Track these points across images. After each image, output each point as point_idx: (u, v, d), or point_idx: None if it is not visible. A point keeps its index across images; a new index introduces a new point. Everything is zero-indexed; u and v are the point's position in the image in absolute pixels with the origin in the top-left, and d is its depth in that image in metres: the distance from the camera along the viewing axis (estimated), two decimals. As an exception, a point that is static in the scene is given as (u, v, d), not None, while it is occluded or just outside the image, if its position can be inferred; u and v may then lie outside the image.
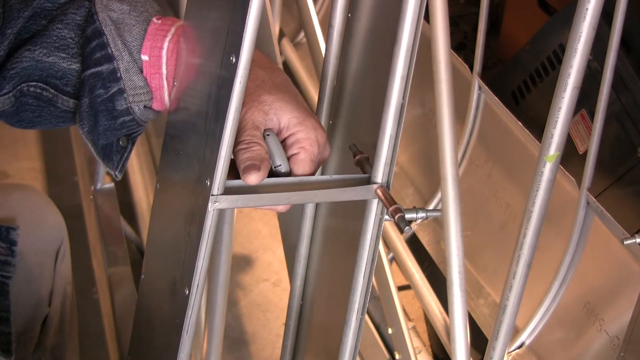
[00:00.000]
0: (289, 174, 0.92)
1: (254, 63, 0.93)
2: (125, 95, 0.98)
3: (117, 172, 1.05)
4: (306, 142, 0.91)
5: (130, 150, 1.05)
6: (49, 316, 1.42)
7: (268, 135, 0.90)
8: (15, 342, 1.28)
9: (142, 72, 0.98)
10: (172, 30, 0.97)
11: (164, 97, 0.99)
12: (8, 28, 0.98)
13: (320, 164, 0.95)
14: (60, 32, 0.98)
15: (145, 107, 1.00)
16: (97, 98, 0.98)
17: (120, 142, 1.03)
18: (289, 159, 0.91)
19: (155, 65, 0.97)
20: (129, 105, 0.98)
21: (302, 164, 0.91)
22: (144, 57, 0.97)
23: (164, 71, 0.98)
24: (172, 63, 0.97)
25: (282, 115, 0.91)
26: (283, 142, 0.92)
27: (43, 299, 1.40)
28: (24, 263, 1.33)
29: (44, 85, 0.99)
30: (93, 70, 0.97)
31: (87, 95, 0.98)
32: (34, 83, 0.99)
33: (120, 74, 0.97)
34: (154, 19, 0.98)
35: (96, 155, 1.03)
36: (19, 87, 0.99)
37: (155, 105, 1.00)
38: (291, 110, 0.91)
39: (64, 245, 1.46)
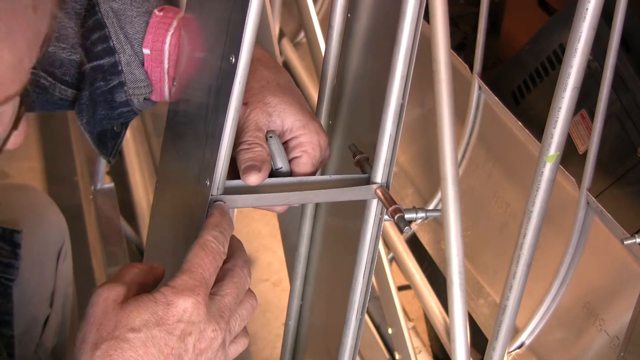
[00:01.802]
0: (290, 176, 0.92)
1: (259, 62, 0.93)
2: (125, 88, 0.97)
3: (110, 158, 1.05)
4: (309, 146, 0.91)
5: (123, 135, 1.04)
6: (50, 317, 1.41)
7: (271, 137, 0.90)
8: (17, 343, 1.28)
9: (143, 65, 0.97)
10: (174, 23, 0.97)
11: (164, 89, 0.99)
12: None
13: (320, 167, 0.95)
14: (60, 21, 0.97)
15: (144, 99, 0.99)
16: (97, 90, 0.97)
17: (115, 128, 1.03)
18: (290, 161, 0.91)
19: (157, 60, 0.97)
20: (128, 97, 0.98)
21: (304, 168, 0.91)
22: (146, 51, 0.97)
23: (166, 65, 0.97)
24: (174, 58, 0.97)
25: (286, 118, 0.91)
26: (285, 145, 0.92)
27: (44, 299, 1.40)
28: (26, 264, 1.33)
29: (42, 74, 0.98)
30: (94, 63, 0.97)
31: (87, 87, 0.98)
32: (32, 70, 0.99)
33: (122, 68, 0.96)
34: (156, 11, 0.97)
35: (91, 142, 1.02)
36: None
37: (154, 97, 1.00)
38: (295, 113, 0.91)
39: (66, 246, 1.45)
